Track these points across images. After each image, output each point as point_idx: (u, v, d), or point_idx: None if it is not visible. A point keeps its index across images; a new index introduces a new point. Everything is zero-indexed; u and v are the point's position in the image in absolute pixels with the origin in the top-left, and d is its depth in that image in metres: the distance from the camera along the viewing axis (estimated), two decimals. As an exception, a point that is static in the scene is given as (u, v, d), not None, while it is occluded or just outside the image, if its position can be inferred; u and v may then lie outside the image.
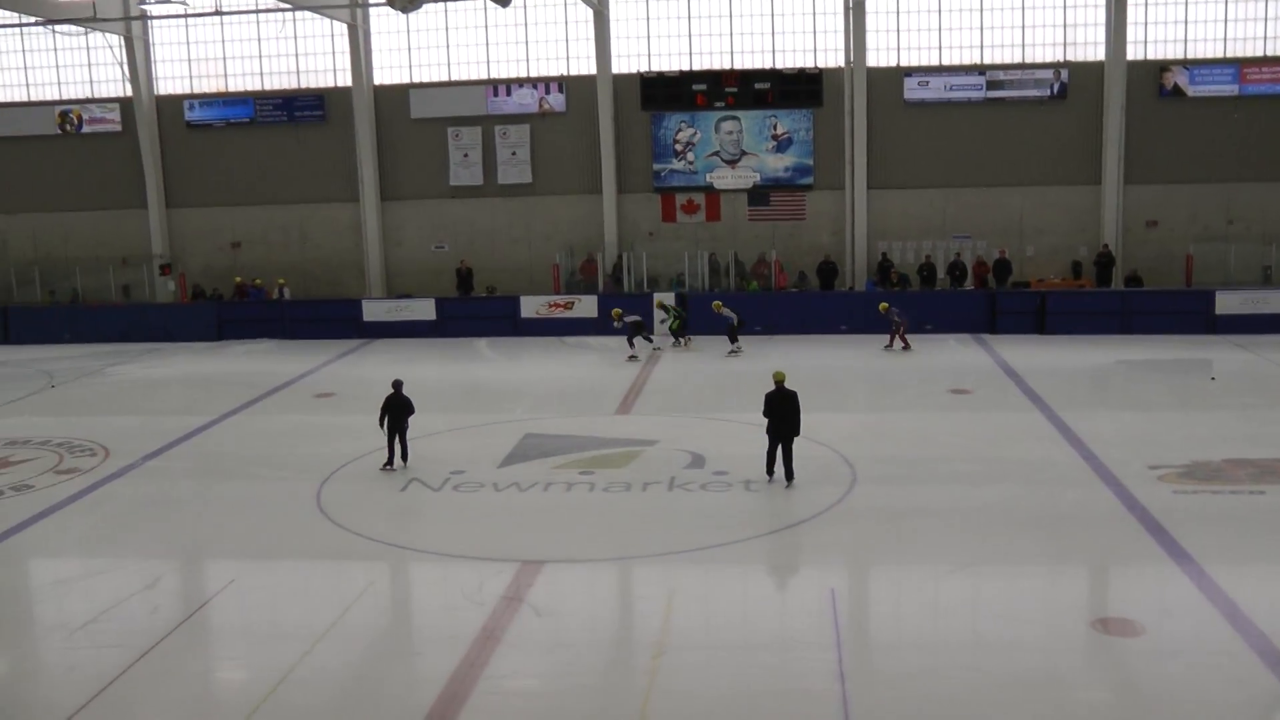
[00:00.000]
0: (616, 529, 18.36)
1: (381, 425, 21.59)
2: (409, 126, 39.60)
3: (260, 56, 40.79)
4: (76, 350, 36.32)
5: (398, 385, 21.87)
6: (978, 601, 15.47)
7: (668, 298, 35.23)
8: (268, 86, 40.80)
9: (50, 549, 18.91)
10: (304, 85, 40.56)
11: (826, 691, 12.68)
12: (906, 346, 32.62)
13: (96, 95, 42.02)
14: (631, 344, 32.52)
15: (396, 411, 21.52)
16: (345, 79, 39.64)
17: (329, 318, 37.29)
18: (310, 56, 40.50)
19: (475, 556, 17.07)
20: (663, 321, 34.17)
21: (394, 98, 39.59)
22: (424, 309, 36.91)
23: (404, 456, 21.73)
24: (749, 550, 17.37)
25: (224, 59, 41.05)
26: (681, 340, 33.72)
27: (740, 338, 32.79)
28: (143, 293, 40.78)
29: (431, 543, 17.98)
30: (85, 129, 42.01)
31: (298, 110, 40.36)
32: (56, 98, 42.31)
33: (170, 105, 41.27)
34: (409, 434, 21.77)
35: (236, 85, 41.09)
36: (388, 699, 12.94)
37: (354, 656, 14.10)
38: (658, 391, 28.37)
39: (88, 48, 41.71)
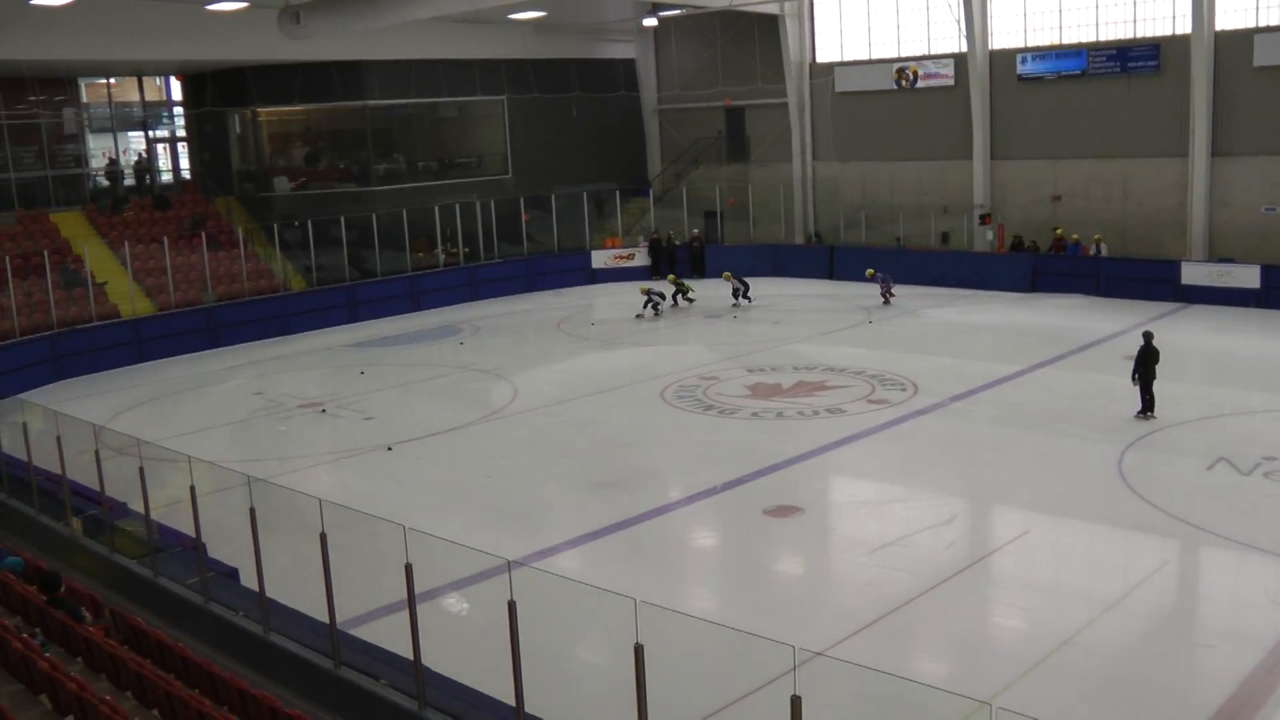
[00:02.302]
0: None
1: (1133, 379, 21.59)
2: (1249, 75, 36.53)
3: (1096, 6, 39.68)
4: (894, 289, 38.17)
5: (1148, 336, 21.87)
6: None
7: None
8: (1102, 37, 39.64)
9: (856, 471, 20.22)
10: (1139, 34, 38.87)
11: None
12: (886, 301, 35.56)
13: (932, 52, 43.43)
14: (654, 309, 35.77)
15: (1148, 362, 21.51)
16: (1184, 25, 37.32)
17: (1144, 277, 35.69)
18: (1148, 4, 38.67)
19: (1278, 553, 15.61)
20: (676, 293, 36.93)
21: (1236, 44, 36.67)
22: (1247, 276, 33.95)
23: (1150, 407, 21.58)
24: None
25: (1059, 10, 40.47)
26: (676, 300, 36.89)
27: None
28: (961, 240, 41.76)
29: (1233, 530, 16.54)
30: (919, 84, 43.59)
31: (1131, 61, 38.78)
32: (895, 55, 44.34)
33: (1003, 59, 41.53)
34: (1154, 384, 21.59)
35: (1070, 37, 40.37)
36: (1171, 687, 12.28)
37: (1138, 635, 13.54)
38: None
39: (927, 7, 43.12)
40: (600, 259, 43.90)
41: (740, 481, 19.14)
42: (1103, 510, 17.55)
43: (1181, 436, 20.81)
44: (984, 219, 41.22)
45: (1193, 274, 34.90)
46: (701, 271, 42.81)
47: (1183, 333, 30.29)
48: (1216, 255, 36.92)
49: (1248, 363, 26.94)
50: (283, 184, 41.93)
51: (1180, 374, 24.84)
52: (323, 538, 11.21)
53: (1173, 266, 35.09)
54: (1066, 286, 36.68)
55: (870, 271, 36.29)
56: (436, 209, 40.90)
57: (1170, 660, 12.92)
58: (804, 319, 34.40)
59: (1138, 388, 21.67)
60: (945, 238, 42.00)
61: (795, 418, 22.87)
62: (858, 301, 36.32)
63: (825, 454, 20.59)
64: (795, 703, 7.48)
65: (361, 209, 40.01)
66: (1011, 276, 37.71)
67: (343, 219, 38.71)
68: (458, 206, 41.35)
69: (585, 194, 44.13)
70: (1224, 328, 30.77)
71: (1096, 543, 16.77)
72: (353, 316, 37.36)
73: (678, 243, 43.71)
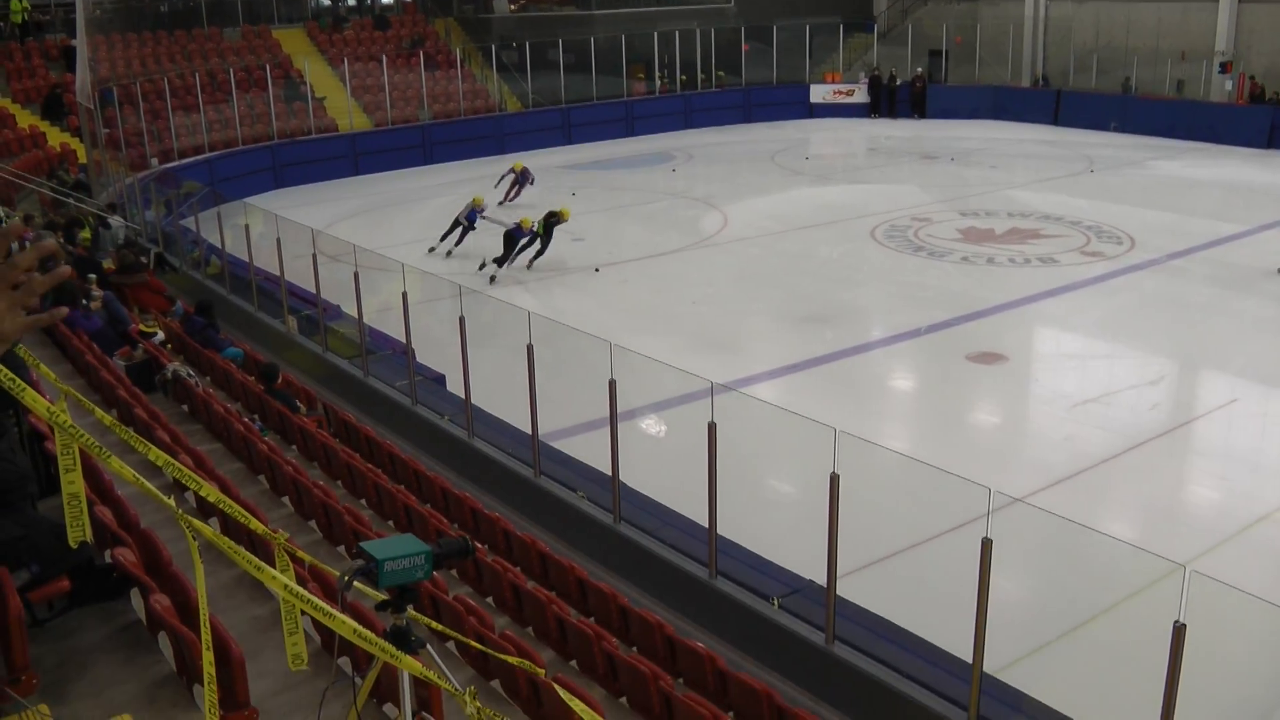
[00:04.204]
0: None
1: None
2: None
3: None
4: (1120, 140, 36.51)
5: None
6: None
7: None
8: None
9: (1064, 323, 19.68)
10: None
11: None
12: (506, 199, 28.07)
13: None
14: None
15: None
16: None
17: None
18: None
19: None
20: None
21: None
22: None
23: None
24: None
25: None
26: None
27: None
28: (1196, 89, 39.45)
29: None
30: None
31: None
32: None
33: (1268, -111, 38.47)
34: None
35: None
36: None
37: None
38: None
39: None
40: (819, 94, 43.12)
41: (945, 325, 18.86)
42: (1322, 384, 16.74)
43: None
44: (1224, 67, 38.71)
45: None
46: (923, 112, 41.70)
47: None
48: None
49: None
50: (502, 5, 42.13)
51: None
52: (529, 349, 11.50)
53: None
54: (1310, 143, 34.44)
55: (518, 165, 29.13)
56: (656, 36, 40.53)
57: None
58: (1023, 165, 33.28)
59: None
60: (1180, 86, 39.71)
61: (1006, 265, 22.30)
62: (1081, 149, 34.83)
63: (1034, 304, 20.08)
64: (986, 545, 7.48)
65: (580, 33, 39.97)
66: (1248, 130, 35.55)
67: (560, 42, 38.75)
68: (677, 34, 40.90)
69: (807, 27, 43.09)
70: None
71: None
72: (566, 139, 37.68)
73: (899, 81, 42.49)
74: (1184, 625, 6.41)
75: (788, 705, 7.87)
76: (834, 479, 8.42)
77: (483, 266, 21.92)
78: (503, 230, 22.30)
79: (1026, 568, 11.35)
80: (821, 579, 8.84)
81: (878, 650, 8.76)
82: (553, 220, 22.44)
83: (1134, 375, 16.96)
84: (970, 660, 7.82)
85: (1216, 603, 9.30)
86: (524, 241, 22.03)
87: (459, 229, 23.82)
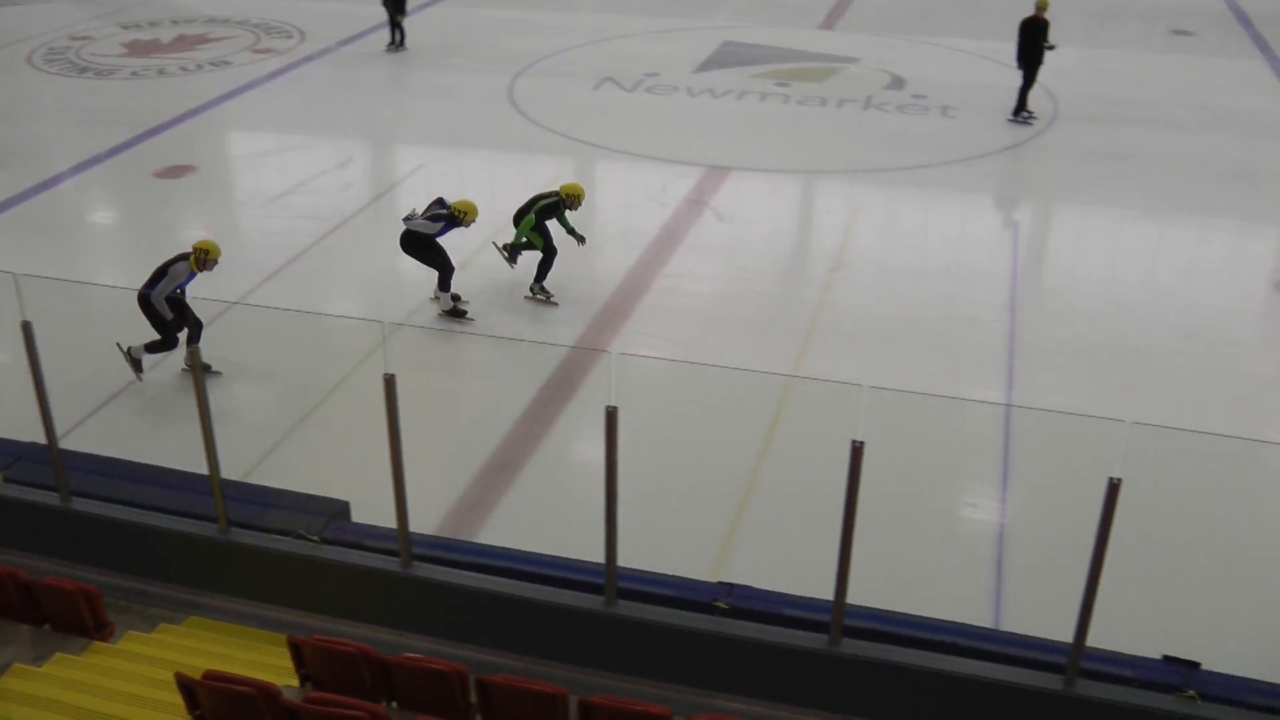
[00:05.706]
0: (806, 143, 17.89)
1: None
2: None
3: None
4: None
5: None
6: (1160, 251, 14.71)
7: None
8: None
9: (248, 123, 19.39)
10: None
11: (993, 322, 12.36)
12: None
13: None
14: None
15: None
16: None
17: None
18: None
19: (661, 158, 16.96)
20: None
21: None
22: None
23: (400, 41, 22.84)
24: (937, 176, 16.73)
25: None
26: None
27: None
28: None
29: (619, 142, 17.75)
30: None
31: None
32: None
33: None
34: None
35: None
36: (570, 288, 13.03)
37: (528, 253, 14.08)
38: (867, 6, 26.87)
39: None
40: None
41: (127, 146, 17.82)
42: (496, 137, 18.17)
43: (569, 62, 21.70)
44: None
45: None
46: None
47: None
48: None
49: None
50: None
51: (567, 3, 25.87)
52: None
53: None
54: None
55: None
56: None
57: (569, 264, 13.37)
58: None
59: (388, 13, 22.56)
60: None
61: (179, 74, 21.44)
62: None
63: (214, 108, 19.58)
64: (194, 355, 7.19)
65: None
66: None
67: None
68: None
69: None
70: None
71: (491, 167, 17.38)
72: None
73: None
74: (393, 375, 6.60)
75: (32, 579, 7.28)
76: (26, 327, 7.58)
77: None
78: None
79: (254, 368, 11.24)
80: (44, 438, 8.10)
81: (120, 492, 8.27)
82: (549, 210, 12.84)
83: (326, 160, 17.18)
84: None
85: (424, 350, 9.85)
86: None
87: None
